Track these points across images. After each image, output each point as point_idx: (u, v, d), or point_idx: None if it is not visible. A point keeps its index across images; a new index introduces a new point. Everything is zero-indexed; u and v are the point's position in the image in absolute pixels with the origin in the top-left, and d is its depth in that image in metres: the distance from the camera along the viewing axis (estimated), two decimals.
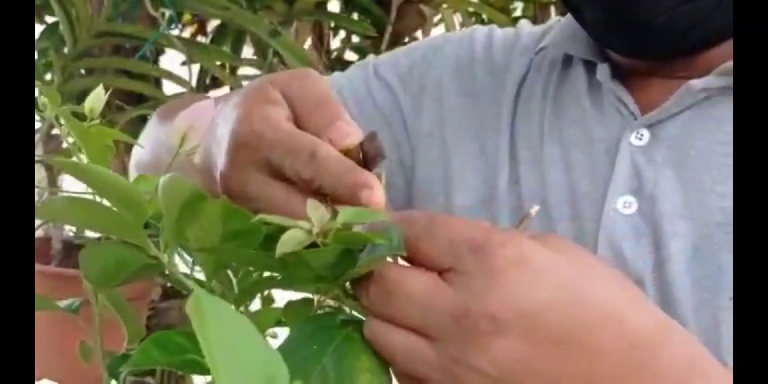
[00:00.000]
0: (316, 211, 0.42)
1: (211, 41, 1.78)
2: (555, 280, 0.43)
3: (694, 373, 0.45)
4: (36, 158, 1.54)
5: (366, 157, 0.49)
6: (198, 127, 0.45)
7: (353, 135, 0.50)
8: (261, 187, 0.50)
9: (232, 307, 0.25)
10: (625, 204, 0.68)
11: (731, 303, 0.63)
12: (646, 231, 0.67)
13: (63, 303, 0.54)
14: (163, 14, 1.57)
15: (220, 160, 0.52)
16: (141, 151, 0.82)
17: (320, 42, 1.78)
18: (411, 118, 0.84)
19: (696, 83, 0.67)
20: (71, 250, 1.51)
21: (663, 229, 0.66)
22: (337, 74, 0.91)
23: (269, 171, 0.50)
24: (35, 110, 0.48)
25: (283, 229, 0.48)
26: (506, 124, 0.78)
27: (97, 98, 0.46)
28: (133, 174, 0.85)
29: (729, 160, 0.65)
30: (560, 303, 0.43)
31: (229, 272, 0.53)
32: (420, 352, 0.44)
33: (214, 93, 1.72)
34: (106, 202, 0.42)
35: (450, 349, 0.43)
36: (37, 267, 1.34)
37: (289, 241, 0.42)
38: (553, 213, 0.71)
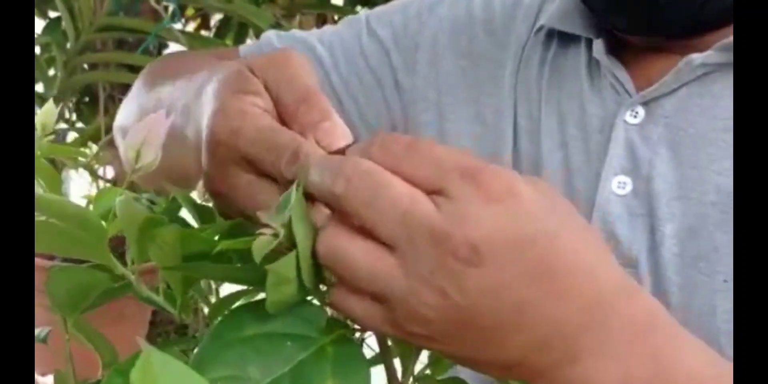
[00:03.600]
0: (275, 218, 0.42)
1: (215, 35, 1.77)
2: (539, 221, 0.42)
3: (656, 328, 0.45)
4: None
5: None
6: (151, 141, 0.44)
7: (341, 138, 0.48)
8: (244, 186, 0.49)
9: (185, 367, 0.24)
10: (619, 184, 0.67)
11: (727, 285, 0.62)
12: (641, 212, 0.66)
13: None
14: (165, 8, 1.56)
15: (202, 156, 0.50)
16: (127, 115, 0.79)
17: None
18: (403, 78, 0.81)
19: (696, 58, 0.65)
20: None
21: (658, 211, 0.65)
22: (327, 29, 0.88)
23: (251, 168, 0.48)
24: None
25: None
26: (509, 89, 0.75)
27: (48, 113, 0.44)
28: (117, 136, 0.82)
29: (727, 137, 0.64)
30: (540, 244, 0.41)
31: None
32: (387, 264, 0.41)
33: None
34: None
35: (420, 266, 0.40)
36: (39, 262, 1.33)
37: (261, 248, 0.41)
38: None
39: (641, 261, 0.65)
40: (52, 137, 0.43)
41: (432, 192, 0.41)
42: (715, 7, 0.65)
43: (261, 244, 0.41)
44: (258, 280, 0.44)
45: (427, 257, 0.40)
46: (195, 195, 0.60)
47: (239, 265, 0.46)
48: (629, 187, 0.66)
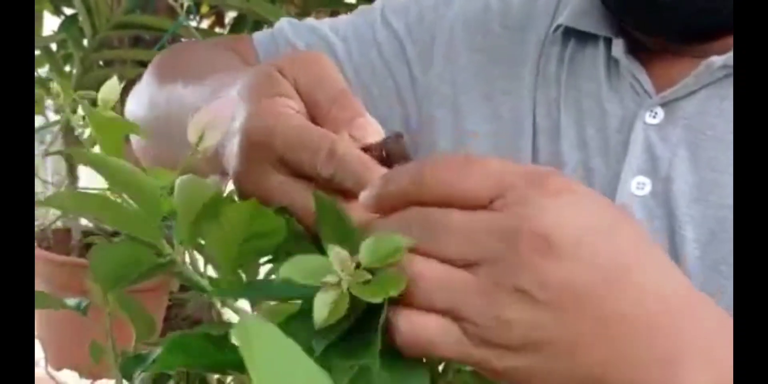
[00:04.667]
0: (338, 258, 0.39)
1: (229, 32, 1.78)
2: (601, 214, 0.41)
3: (728, 327, 0.43)
4: (54, 149, 1.55)
5: (389, 157, 0.47)
6: (217, 125, 0.44)
7: (374, 133, 0.48)
8: (278, 187, 0.48)
9: (278, 330, 0.24)
10: (638, 185, 0.67)
11: None
12: (661, 213, 0.66)
13: (71, 302, 0.54)
14: (181, 5, 1.56)
15: (232, 159, 0.50)
16: (136, 107, 0.78)
17: None
18: (418, 72, 0.80)
19: (717, 60, 0.66)
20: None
21: (677, 212, 0.65)
22: (341, 19, 0.87)
23: (285, 169, 0.48)
24: (52, 100, 0.48)
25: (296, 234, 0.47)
26: (529, 87, 0.75)
27: (110, 89, 0.45)
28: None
29: None
30: (605, 237, 0.40)
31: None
32: (458, 279, 0.40)
33: None
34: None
35: (494, 271, 0.39)
36: (57, 258, 1.34)
37: (323, 308, 0.39)
38: None
39: None
40: (112, 113, 0.43)
41: (492, 200, 0.40)
42: (718, 19, 0.65)
43: (324, 303, 0.39)
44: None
45: (500, 258, 0.39)
46: None
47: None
48: (648, 188, 0.66)
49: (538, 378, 0.40)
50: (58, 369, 1.40)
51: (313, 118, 0.50)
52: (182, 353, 0.43)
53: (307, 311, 0.40)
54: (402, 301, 0.40)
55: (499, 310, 0.39)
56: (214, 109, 0.45)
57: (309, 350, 0.40)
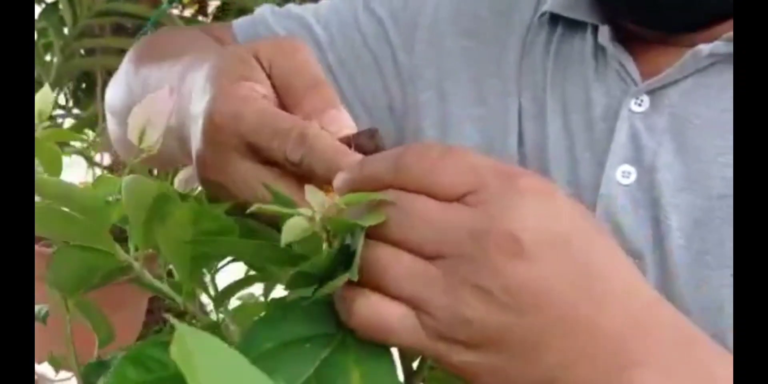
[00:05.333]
0: (315, 196, 0.39)
1: (213, 21, 1.76)
2: (575, 220, 0.40)
3: (694, 338, 0.43)
4: None
5: (358, 151, 0.46)
6: (155, 120, 0.43)
7: (346, 126, 0.47)
8: (244, 173, 0.47)
9: (218, 341, 0.23)
10: (623, 174, 0.66)
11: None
12: (646, 203, 0.65)
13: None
14: None
15: (195, 142, 0.48)
16: (114, 96, 0.77)
17: None
18: (402, 56, 0.79)
19: (704, 48, 0.64)
20: None
21: (662, 201, 0.64)
22: (323, 5, 0.86)
23: (253, 155, 0.47)
24: None
25: (251, 231, 0.46)
26: (513, 71, 0.74)
27: (44, 99, 0.43)
28: (108, 117, 0.81)
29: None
30: (576, 244, 0.40)
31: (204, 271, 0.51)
32: (424, 271, 0.39)
33: None
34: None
35: (461, 268, 0.38)
36: (38, 248, 1.33)
37: (293, 230, 0.39)
38: (553, 173, 0.69)
39: (645, 253, 0.64)
40: (48, 123, 0.41)
41: (465, 194, 0.40)
42: (707, 9, 0.65)
43: (295, 225, 0.39)
44: (280, 260, 0.43)
45: (468, 256, 0.39)
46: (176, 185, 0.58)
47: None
48: (633, 177, 0.65)
49: (492, 375, 0.40)
50: (40, 362, 1.39)
51: (284, 106, 0.49)
52: (138, 367, 0.42)
53: (282, 313, 0.40)
54: (364, 284, 0.40)
55: (460, 307, 0.39)
56: (148, 105, 0.43)
57: (282, 344, 0.40)
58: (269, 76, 0.49)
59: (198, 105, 0.49)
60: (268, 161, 0.47)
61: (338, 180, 0.43)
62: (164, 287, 0.46)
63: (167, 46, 0.74)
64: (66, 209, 0.38)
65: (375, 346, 0.41)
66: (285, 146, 0.45)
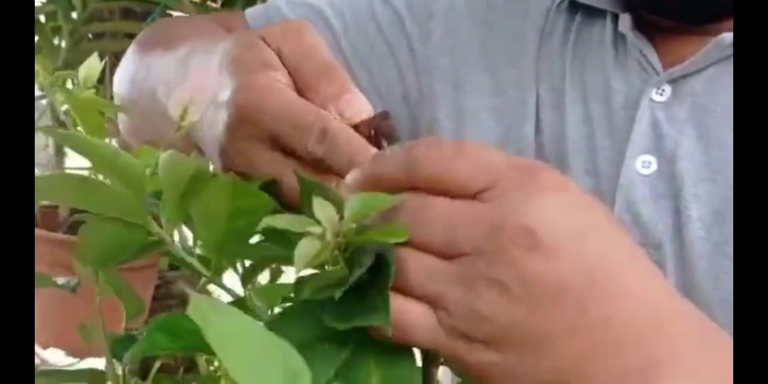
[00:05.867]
0: (324, 210, 0.38)
1: (222, 5, 1.75)
2: (590, 215, 0.40)
3: (716, 334, 0.42)
4: (41, 126, 1.52)
5: (377, 135, 0.47)
6: (198, 100, 0.42)
7: (363, 110, 0.47)
8: (268, 164, 0.48)
9: (231, 307, 0.24)
10: (644, 164, 0.65)
11: None
12: (666, 193, 0.65)
13: (61, 280, 0.53)
14: None
15: (218, 135, 0.48)
16: (119, 82, 0.77)
17: None
18: (417, 46, 0.79)
19: (727, 37, 0.64)
20: (75, 222, 1.49)
21: (683, 191, 0.64)
22: None
23: (275, 146, 0.48)
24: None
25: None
26: (531, 60, 0.74)
27: (91, 66, 0.43)
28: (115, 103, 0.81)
29: None
30: (592, 238, 0.39)
31: None
32: (443, 270, 0.39)
33: None
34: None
35: (476, 262, 0.38)
36: (44, 234, 1.32)
37: (306, 255, 0.38)
38: (571, 163, 0.69)
39: (665, 243, 0.64)
40: (93, 90, 0.41)
41: (480, 191, 0.40)
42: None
43: (307, 249, 0.38)
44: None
45: (484, 251, 0.38)
46: None
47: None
48: (654, 167, 0.65)
49: (509, 376, 0.40)
50: (45, 347, 1.38)
51: (299, 91, 0.49)
52: (168, 334, 0.43)
53: (301, 311, 0.40)
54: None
55: (475, 301, 0.39)
56: (194, 84, 0.43)
57: (300, 344, 0.39)
58: (281, 62, 0.49)
59: (221, 95, 0.49)
60: (291, 152, 0.47)
61: (350, 179, 0.43)
62: (194, 261, 0.46)
63: (174, 33, 0.74)
64: (101, 177, 0.38)
65: (396, 349, 0.40)
66: (306, 140, 0.46)
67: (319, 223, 0.38)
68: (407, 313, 0.39)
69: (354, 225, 0.39)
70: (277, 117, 0.46)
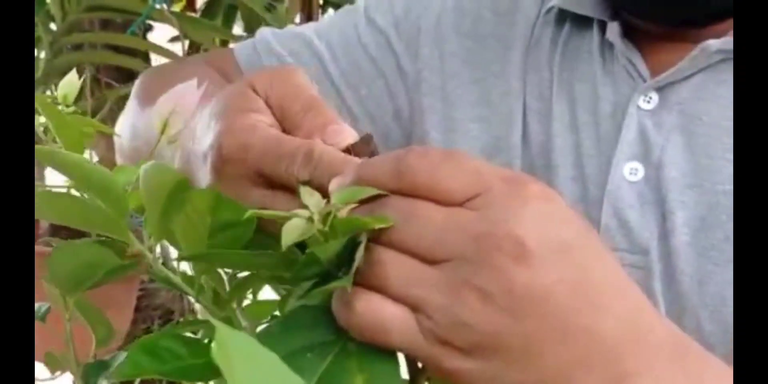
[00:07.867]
0: (311, 198, 0.39)
1: (202, 15, 1.75)
2: (575, 228, 0.40)
3: (689, 348, 0.43)
4: None
5: (361, 158, 0.46)
6: (180, 111, 0.42)
7: (347, 138, 0.48)
8: (259, 201, 0.47)
9: (258, 344, 0.22)
10: (631, 171, 0.66)
11: None
12: (652, 199, 0.65)
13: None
14: None
15: (205, 178, 0.49)
16: (122, 131, 0.77)
17: (308, 19, 1.74)
18: (406, 63, 0.79)
19: (713, 44, 0.64)
20: (58, 229, 1.48)
21: (669, 198, 0.64)
22: (324, 21, 0.86)
23: (263, 182, 0.47)
24: None
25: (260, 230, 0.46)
26: (518, 69, 0.74)
27: (71, 84, 0.42)
28: (116, 149, 0.81)
29: None
30: (577, 251, 0.39)
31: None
32: (427, 274, 0.39)
33: None
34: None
35: (462, 270, 0.38)
36: (38, 248, 1.31)
37: (292, 231, 0.38)
38: (559, 170, 0.69)
39: (652, 249, 0.64)
40: (73, 108, 0.40)
41: (468, 199, 0.39)
42: (718, 4, 0.64)
43: (293, 227, 0.38)
44: (280, 266, 0.42)
45: (470, 258, 0.38)
46: None
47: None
48: (641, 174, 0.65)
49: (482, 383, 0.39)
50: None
51: (286, 130, 0.49)
52: (152, 357, 0.41)
53: (283, 324, 0.40)
54: (365, 287, 0.40)
55: (459, 309, 0.38)
56: (174, 96, 0.43)
57: (285, 356, 0.39)
58: (268, 106, 0.50)
59: (204, 141, 0.49)
60: (280, 187, 0.47)
61: (336, 183, 0.42)
62: (177, 280, 0.45)
63: (172, 83, 0.74)
64: (77, 194, 0.37)
65: (378, 351, 0.40)
66: (293, 167, 0.46)
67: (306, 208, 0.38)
68: (383, 313, 0.39)
69: (340, 207, 0.39)
70: (261, 152, 0.47)
